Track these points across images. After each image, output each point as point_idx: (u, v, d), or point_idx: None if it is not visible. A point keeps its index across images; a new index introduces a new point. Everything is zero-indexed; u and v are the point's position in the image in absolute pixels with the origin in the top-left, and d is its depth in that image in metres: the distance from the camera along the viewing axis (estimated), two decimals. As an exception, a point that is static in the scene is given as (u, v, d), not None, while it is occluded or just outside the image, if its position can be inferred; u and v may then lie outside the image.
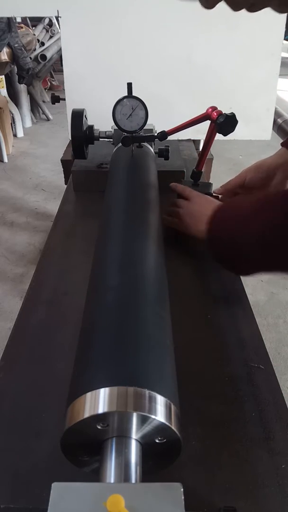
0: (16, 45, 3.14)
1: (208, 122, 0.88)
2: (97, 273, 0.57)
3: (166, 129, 0.92)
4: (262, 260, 0.62)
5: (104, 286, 0.53)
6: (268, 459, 0.50)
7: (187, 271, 0.81)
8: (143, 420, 0.38)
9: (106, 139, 1.01)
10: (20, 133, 3.86)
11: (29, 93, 4.01)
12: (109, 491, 0.33)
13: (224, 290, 0.76)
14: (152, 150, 0.99)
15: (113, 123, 0.87)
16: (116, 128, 0.88)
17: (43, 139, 3.82)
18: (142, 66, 1.30)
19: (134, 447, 0.39)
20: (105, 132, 1.01)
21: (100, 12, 1.24)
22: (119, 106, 0.85)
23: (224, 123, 0.84)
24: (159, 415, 0.37)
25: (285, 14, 1.23)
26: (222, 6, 0.44)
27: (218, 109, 0.86)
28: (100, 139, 1.01)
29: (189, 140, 1.42)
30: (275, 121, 1.39)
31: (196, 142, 1.46)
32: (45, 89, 4.58)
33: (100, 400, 0.37)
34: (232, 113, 0.84)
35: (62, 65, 1.36)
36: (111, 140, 1.02)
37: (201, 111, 0.88)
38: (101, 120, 0.98)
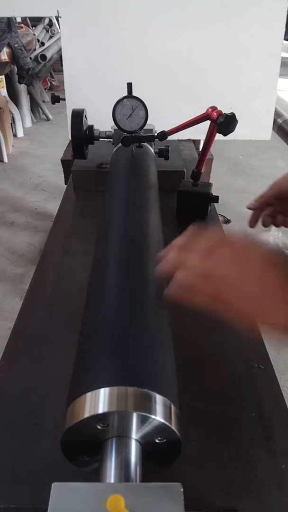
0: (16, 45, 3.14)
1: (208, 122, 0.88)
2: (97, 273, 0.57)
3: (166, 129, 0.92)
4: None
5: (104, 286, 0.53)
6: (268, 459, 0.50)
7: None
8: (143, 420, 0.38)
9: (106, 139, 1.01)
10: (20, 133, 3.86)
11: (29, 93, 4.01)
12: (109, 491, 0.33)
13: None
14: (152, 150, 0.99)
15: (113, 123, 0.87)
16: (116, 128, 0.88)
17: (43, 139, 3.81)
18: (142, 66, 1.30)
19: (134, 447, 0.39)
20: (105, 132, 1.01)
21: (100, 12, 1.24)
22: (119, 106, 0.85)
23: (224, 123, 0.84)
24: (159, 415, 0.37)
25: (285, 14, 1.23)
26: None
27: (218, 109, 0.86)
28: (100, 139, 1.01)
29: (189, 140, 1.43)
30: (275, 121, 1.40)
31: (196, 142, 1.46)
32: (45, 89, 4.57)
33: (100, 400, 0.37)
34: (232, 113, 0.84)
35: (62, 65, 1.36)
36: (111, 140, 1.02)
37: (201, 111, 0.88)
38: (101, 120, 0.98)
